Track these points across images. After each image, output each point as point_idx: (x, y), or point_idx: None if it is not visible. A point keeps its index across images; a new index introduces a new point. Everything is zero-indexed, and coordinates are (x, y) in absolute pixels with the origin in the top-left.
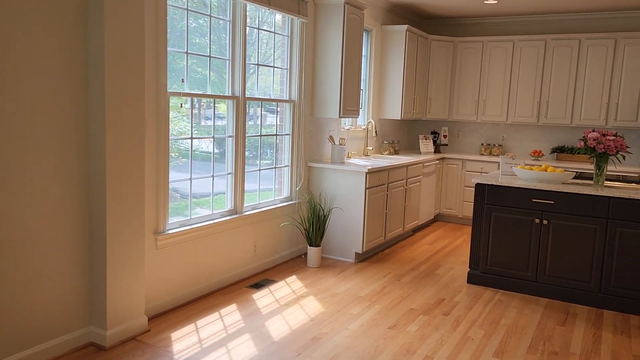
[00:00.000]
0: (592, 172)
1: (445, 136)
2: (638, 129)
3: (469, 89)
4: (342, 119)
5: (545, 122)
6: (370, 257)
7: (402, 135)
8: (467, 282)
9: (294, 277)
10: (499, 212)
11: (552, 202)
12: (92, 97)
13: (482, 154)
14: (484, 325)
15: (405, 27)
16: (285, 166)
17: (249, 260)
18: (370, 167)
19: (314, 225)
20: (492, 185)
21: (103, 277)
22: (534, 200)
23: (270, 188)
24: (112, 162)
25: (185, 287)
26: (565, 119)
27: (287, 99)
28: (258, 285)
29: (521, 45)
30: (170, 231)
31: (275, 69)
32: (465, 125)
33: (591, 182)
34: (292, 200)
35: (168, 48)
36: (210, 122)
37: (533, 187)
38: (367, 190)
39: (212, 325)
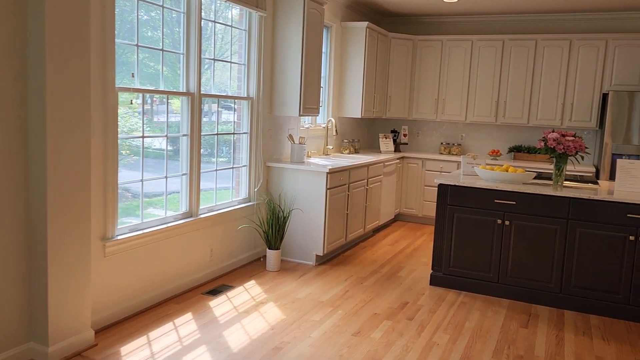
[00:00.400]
0: (550, 171)
1: (405, 135)
2: (592, 129)
3: (429, 87)
4: (302, 117)
5: (503, 122)
6: (331, 259)
7: (362, 134)
8: (430, 284)
9: (252, 282)
10: (461, 212)
11: (514, 202)
12: (32, 92)
13: (441, 153)
14: (449, 329)
15: (365, 24)
16: (243, 166)
17: (205, 265)
18: (331, 167)
19: (274, 227)
20: (455, 185)
21: (44, 288)
22: (496, 201)
23: (228, 189)
24: (54, 163)
25: (137, 295)
26: (522, 118)
27: (245, 96)
28: (215, 292)
29: (480, 45)
30: (119, 237)
31: (232, 64)
32: (425, 124)
33: (551, 182)
34: (250, 201)
35: (117, 40)
36: (163, 119)
37: (495, 188)
38: (328, 190)
39: (165, 337)
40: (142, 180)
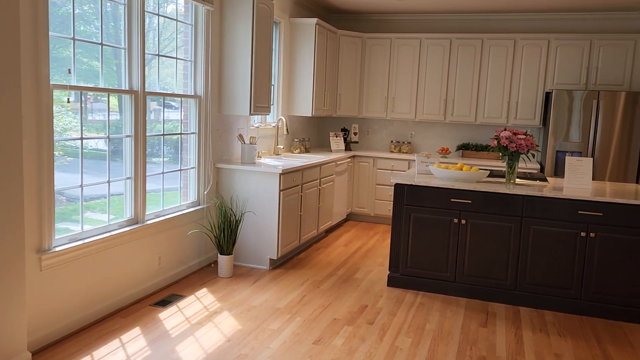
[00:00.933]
0: (500, 169)
1: (355, 133)
2: (535, 127)
3: (378, 85)
4: (252, 116)
5: (451, 120)
6: (285, 262)
7: (311, 132)
8: (388, 286)
9: (204, 290)
10: (418, 212)
11: (470, 201)
12: None
13: (392, 152)
14: (410, 332)
15: (314, 20)
16: (192, 168)
17: (152, 274)
18: (284, 168)
19: (225, 231)
20: (411, 185)
21: None
22: (452, 200)
23: (176, 192)
24: None
25: (79, 311)
26: (470, 117)
27: (192, 94)
28: (164, 303)
29: (428, 44)
30: (57, 248)
31: (178, 60)
32: (375, 123)
33: (503, 179)
34: (200, 205)
35: (50, 33)
36: (98, 117)
37: (452, 187)
38: (281, 192)
39: (111, 355)
40: (81, 186)
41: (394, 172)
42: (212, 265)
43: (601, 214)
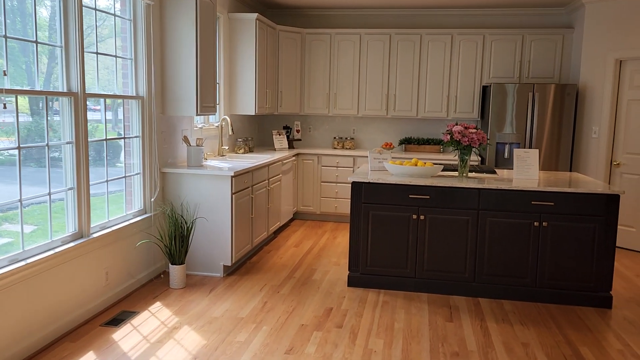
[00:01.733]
0: (447, 162)
1: (298, 131)
2: (474, 120)
3: (320, 82)
4: (195, 117)
5: (393, 115)
6: (238, 268)
7: (253, 131)
8: (348, 286)
9: (158, 304)
10: (376, 210)
11: (428, 197)
12: None
13: (335, 148)
14: (381, 333)
15: (255, 15)
16: (136, 174)
17: (100, 291)
18: (235, 170)
19: (177, 240)
20: (369, 183)
21: None
22: (410, 196)
23: (120, 201)
24: None
25: (22, 339)
26: (411, 111)
27: (134, 94)
28: (117, 321)
29: (368, 39)
30: None
31: (117, 59)
32: (317, 119)
33: (456, 173)
34: (146, 213)
35: None
36: (10, 120)
37: (410, 183)
38: (233, 195)
39: None
40: (20, 201)
41: (339, 169)
42: (162, 275)
43: (552, 204)
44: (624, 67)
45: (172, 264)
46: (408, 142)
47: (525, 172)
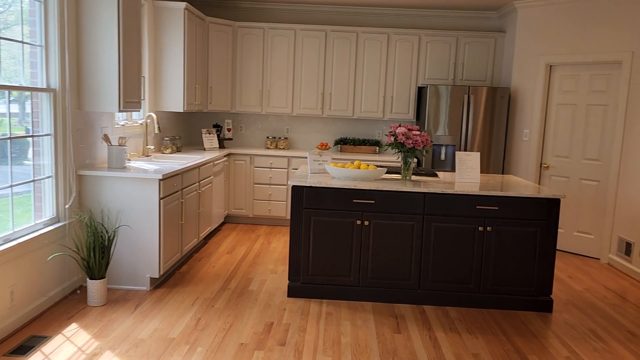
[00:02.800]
0: (387, 165)
1: (229, 130)
2: (409, 121)
3: (252, 78)
4: (117, 113)
5: (329, 114)
6: (167, 279)
7: (181, 129)
8: (288, 296)
9: (74, 325)
10: (318, 215)
11: (373, 201)
12: None
13: (268, 148)
14: (328, 349)
15: (183, 4)
16: (48, 177)
17: (4, 313)
18: (164, 173)
19: (96, 251)
20: (311, 187)
21: None
22: (354, 201)
23: (27, 209)
24: None
25: None
26: (347, 111)
27: (45, 87)
28: (24, 349)
29: (303, 35)
30: None
31: (25, 45)
32: (249, 118)
33: (398, 176)
34: (60, 221)
35: None
36: None
37: (354, 187)
38: (161, 200)
39: None
40: None
41: (273, 170)
42: (79, 291)
43: (497, 208)
44: (553, 72)
45: (90, 278)
46: (344, 143)
47: (467, 175)
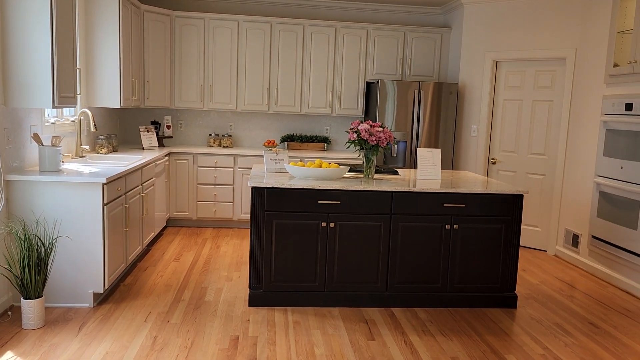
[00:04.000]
0: (342, 162)
1: (169, 127)
2: (358, 116)
3: (193, 72)
4: (46, 110)
5: (276, 110)
6: (112, 293)
7: (114, 127)
8: (250, 306)
9: (9, 354)
10: (281, 218)
11: (339, 202)
12: None
13: (211, 146)
14: None
15: None
16: None
17: None
18: (109, 176)
19: (32, 268)
20: (273, 188)
21: None
22: (320, 202)
23: None
24: None
25: None
26: (295, 107)
27: None
28: None
29: (246, 27)
30: None
31: None
32: (189, 114)
33: (360, 174)
34: None
35: None
36: None
37: (319, 188)
38: (105, 206)
39: None
40: None
41: (217, 170)
42: (10, 313)
43: (463, 205)
44: (499, 68)
45: (25, 298)
46: (291, 140)
47: (429, 172)
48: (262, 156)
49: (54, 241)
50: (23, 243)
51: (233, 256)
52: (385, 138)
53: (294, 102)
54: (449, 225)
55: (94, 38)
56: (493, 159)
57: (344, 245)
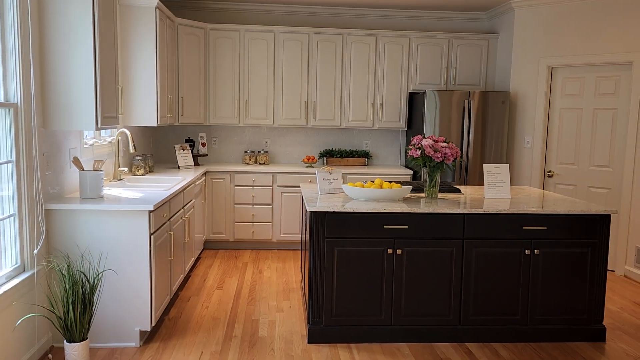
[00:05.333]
0: (402, 180)
1: (203, 144)
2: (401, 129)
3: (228, 87)
4: (85, 132)
5: (314, 125)
6: (157, 328)
7: (148, 146)
8: (309, 342)
9: None
10: (343, 245)
11: (406, 226)
12: None
13: (247, 163)
14: None
15: (154, 2)
16: (10, 216)
17: None
18: (156, 203)
19: (75, 307)
20: (334, 212)
21: None
22: (385, 226)
23: None
24: None
25: None
26: (334, 120)
27: (3, 101)
28: None
29: (283, 38)
30: None
31: None
32: (223, 130)
33: (422, 194)
34: (26, 271)
35: None
36: None
37: (384, 211)
38: (152, 235)
39: None
40: None
41: (255, 189)
42: (50, 356)
43: (545, 228)
44: (555, 74)
45: (69, 341)
46: (330, 155)
47: (498, 190)
48: (303, 174)
49: (99, 276)
50: (67, 280)
51: (279, 282)
52: (452, 154)
53: (333, 115)
54: (529, 250)
55: (130, 54)
56: (550, 172)
57: (412, 274)
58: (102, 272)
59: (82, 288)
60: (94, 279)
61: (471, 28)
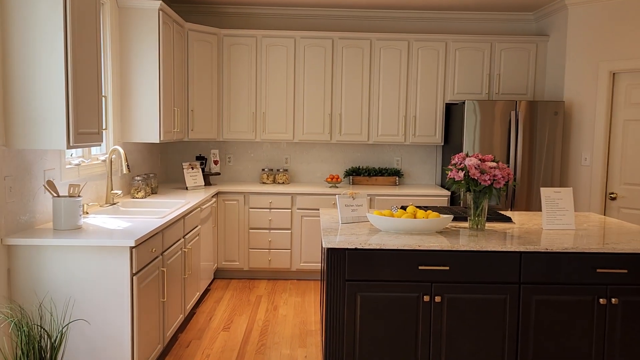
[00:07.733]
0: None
1: (216, 162)
2: (437, 145)
3: (243, 98)
4: (70, 149)
5: (339, 140)
6: None
7: (154, 164)
8: None
9: None
10: (368, 290)
11: (447, 267)
12: None
13: (264, 183)
14: None
15: (157, 4)
16: None
17: None
18: (137, 237)
19: None
20: (357, 249)
21: None
22: (420, 267)
23: None
24: None
25: None
26: (361, 135)
27: None
28: None
29: (305, 44)
30: None
31: None
32: (238, 147)
33: (465, 224)
34: None
35: None
36: None
37: (419, 248)
38: (134, 276)
39: None
40: None
41: (273, 212)
42: None
43: (625, 271)
44: (618, 81)
45: None
46: (356, 174)
47: (559, 219)
48: (326, 195)
49: (64, 328)
50: (22, 336)
51: (295, 322)
52: (503, 176)
53: (360, 129)
54: (605, 299)
55: (130, 62)
56: (612, 193)
57: (454, 327)
58: (68, 324)
59: (38, 345)
60: (58, 333)
61: (516, 30)
